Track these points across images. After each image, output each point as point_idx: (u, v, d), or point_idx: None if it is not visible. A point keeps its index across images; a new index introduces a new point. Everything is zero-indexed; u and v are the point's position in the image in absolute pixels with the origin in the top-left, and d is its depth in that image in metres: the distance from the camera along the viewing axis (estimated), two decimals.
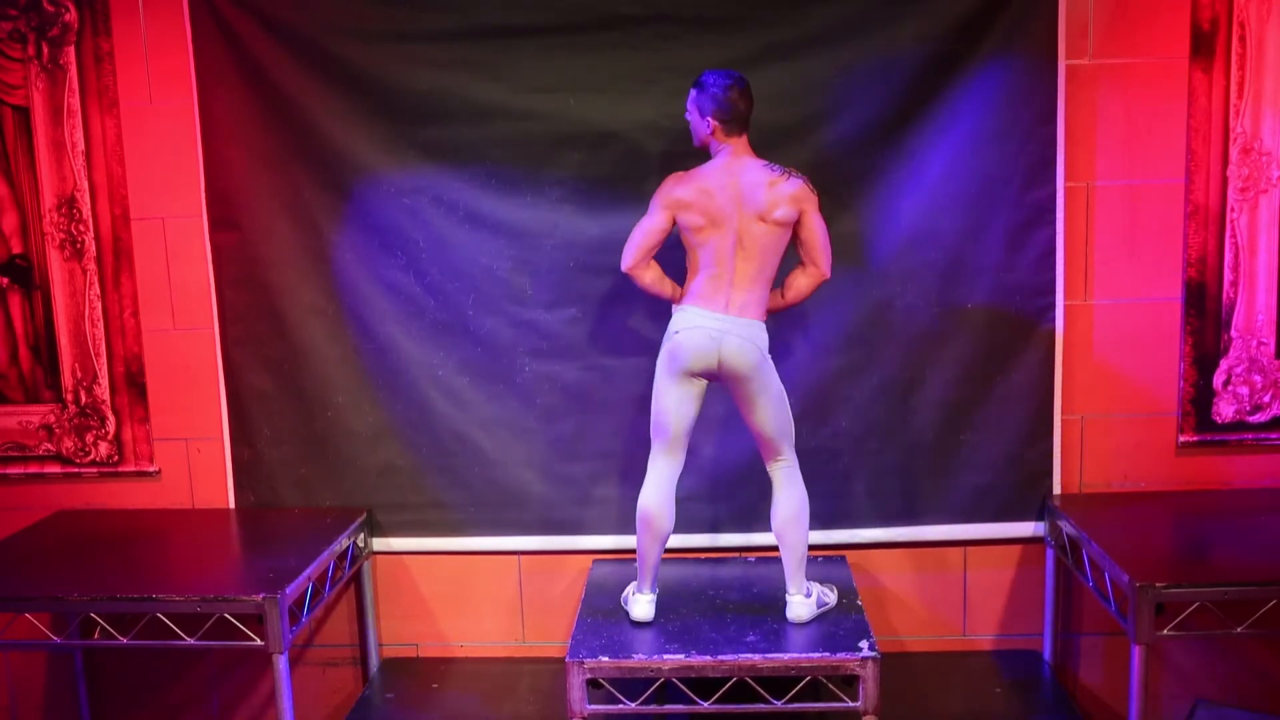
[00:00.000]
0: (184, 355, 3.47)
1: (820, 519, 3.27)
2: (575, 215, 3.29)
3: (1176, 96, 3.23)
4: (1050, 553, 3.38)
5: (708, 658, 2.75)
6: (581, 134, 3.24)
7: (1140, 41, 3.22)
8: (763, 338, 2.84)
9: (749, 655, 2.75)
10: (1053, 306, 3.29)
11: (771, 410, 2.86)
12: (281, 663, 2.83)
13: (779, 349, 2.89)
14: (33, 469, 3.57)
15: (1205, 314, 3.32)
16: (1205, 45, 3.20)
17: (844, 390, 3.35)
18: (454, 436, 3.43)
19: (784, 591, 2.96)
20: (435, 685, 3.40)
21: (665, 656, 2.76)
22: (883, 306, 3.30)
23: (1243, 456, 3.39)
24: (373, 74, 3.24)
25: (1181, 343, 3.34)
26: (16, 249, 3.46)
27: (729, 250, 2.80)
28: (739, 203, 2.79)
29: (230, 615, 2.87)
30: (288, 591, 2.84)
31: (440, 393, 3.40)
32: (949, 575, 3.47)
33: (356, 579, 3.53)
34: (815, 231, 2.85)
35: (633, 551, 3.31)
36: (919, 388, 3.34)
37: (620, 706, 2.82)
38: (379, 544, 3.51)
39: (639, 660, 2.76)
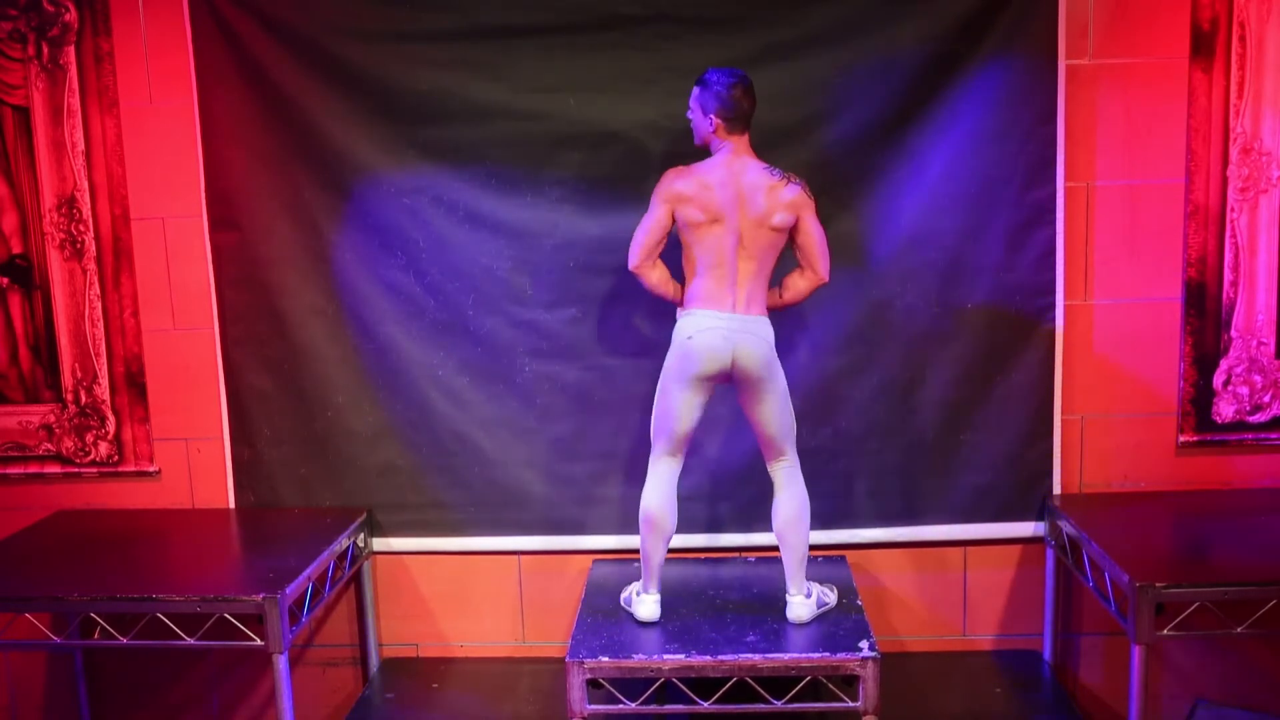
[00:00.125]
0: (184, 355, 3.47)
1: (820, 519, 3.27)
2: (575, 215, 3.29)
3: (1176, 96, 3.23)
4: (1050, 553, 3.38)
5: (708, 658, 2.75)
6: (581, 134, 3.24)
7: (1140, 41, 3.22)
8: (771, 334, 2.85)
9: (749, 655, 2.75)
10: (1053, 306, 3.29)
11: (777, 409, 2.86)
12: (281, 663, 2.83)
13: (779, 349, 2.89)
14: (33, 469, 3.57)
15: (1205, 314, 3.32)
16: (1205, 45, 3.20)
17: (844, 390, 3.35)
18: (454, 436, 3.43)
19: (784, 591, 2.96)
20: (435, 685, 3.40)
21: (665, 656, 2.76)
22: (883, 306, 3.30)
23: (1243, 456, 3.39)
24: (373, 74, 3.24)
25: (1181, 343, 3.34)
26: (16, 249, 3.46)
27: (730, 249, 2.80)
28: (740, 202, 2.79)
29: (230, 615, 2.87)
30: (288, 591, 2.84)
31: (440, 393, 3.40)
32: (949, 575, 3.47)
33: (356, 579, 3.53)
34: (812, 236, 2.85)
35: (633, 551, 3.31)
36: (919, 388, 3.34)
37: (620, 706, 2.82)
38: (379, 544, 3.51)
39: (639, 660, 2.76)
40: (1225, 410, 3.36)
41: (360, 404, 3.43)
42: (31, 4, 3.32)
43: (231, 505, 3.52)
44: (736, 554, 3.45)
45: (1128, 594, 2.75)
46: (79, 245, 3.43)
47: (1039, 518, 3.39)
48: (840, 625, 2.91)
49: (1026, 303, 3.29)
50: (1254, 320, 3.31)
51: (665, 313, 3.04)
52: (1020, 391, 3.32)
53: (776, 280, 2.94)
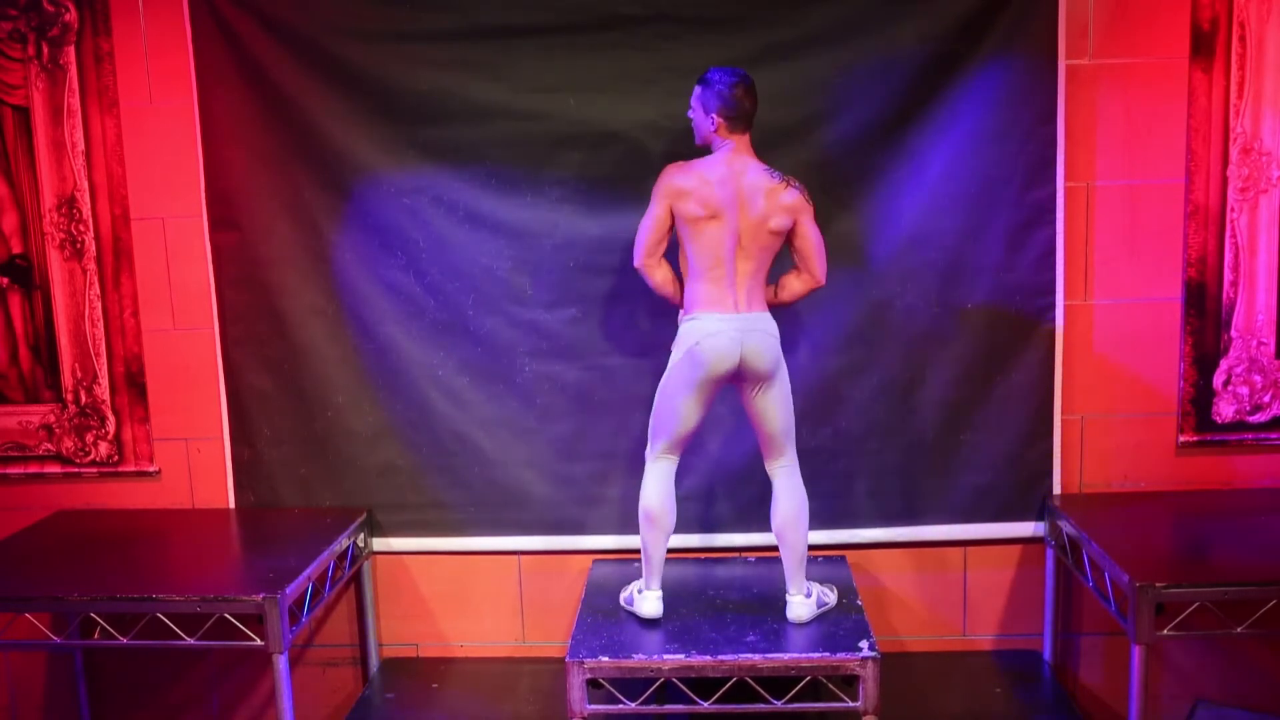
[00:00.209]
0: (184, 355, 3.47)
1: (820, 519, 3.27)
2: (575, 215, 3.29)
3: (1176, 96, 3.23)
4: (1050, 553, 3.38)
5: (708, 658, 2.75)
6: (581, 134, 3.24)
7: (1140, 41, 3.22)
8: (777, 329, 2.86)
9: (749, 655, 2.75)
10: (1053, 306, 3.29)
11: (781, 408, 2.87)
12: (281, 663, 2.83)
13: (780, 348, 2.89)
14: (33, 469, 3.57)
15: (1205, 314, 3.32)
16: (1205, 45, 3.20)
17: (844, 390, 3.35)
18: (454, 436, 3.43)
19: (784, 591, 2.96)
20: (435, 685, 3.40)
21: (665, 656, 2.76)
22: (883, 306, 3.30)
23: (1243, 456, 3.39)
24: (373, 74, 3.24)
25: (1181, 343, 3.34)
26: (16, 249, 3.46)
27: (729, 249, 2.80)
28: (740, 201, 2.79)
29: (230, 615, 2.87)
30: (288, 591, 2.84)
31: (440, 393, 3.40)
32: (949, 575, 3.47)
33: (356, 579, 3.53)
34: (810, 240, 2.86)
35: (633, 551, 3.31)
36: (919, 388, 3.34)
37: (620, 706, 2.82)
38: (379, 544, 3.51)
39: (639, 660, 2.76)
40: (1225, 410, 3.36)
41: (360, 404, 3.43)
42: (31, 4, 3.32)
43: (231, 505, 3.51)
44: (736, 554, 3.45)
45: (1128, 594, 2.75)
46: (79, 245, 3.44)
47: (1039, 518, 3.39)
48: (840, 625, 2.91)
49: (1026, 303, 3.29)
50: (1254, 320, 3.31)
51: (665, 313, 3.05)
52: (1020, 391, 3.32)
53: (773, 278, 2.94)
